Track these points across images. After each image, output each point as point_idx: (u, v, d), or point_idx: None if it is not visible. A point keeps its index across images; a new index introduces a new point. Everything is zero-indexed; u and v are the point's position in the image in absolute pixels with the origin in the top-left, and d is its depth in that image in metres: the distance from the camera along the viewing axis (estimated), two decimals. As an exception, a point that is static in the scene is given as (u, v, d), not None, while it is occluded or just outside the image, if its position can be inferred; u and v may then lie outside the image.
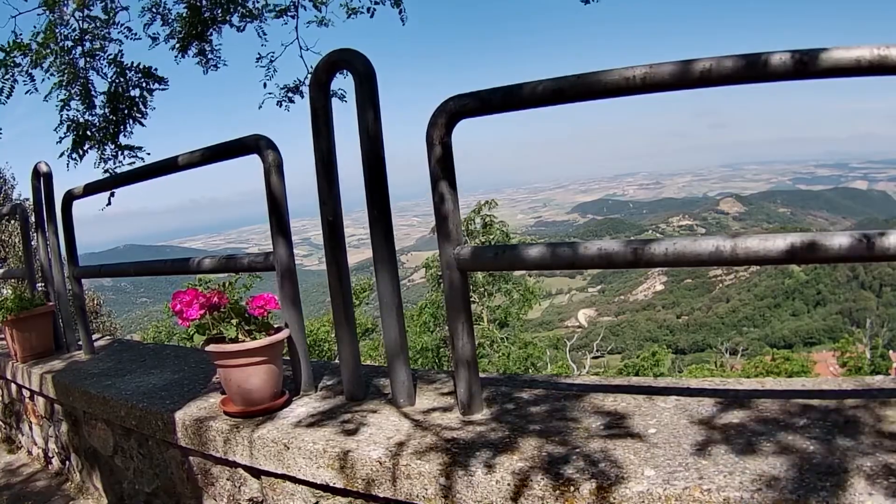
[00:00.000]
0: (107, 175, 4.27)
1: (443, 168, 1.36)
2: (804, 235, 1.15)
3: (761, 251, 1.15)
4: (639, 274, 79.74)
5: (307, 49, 4.74)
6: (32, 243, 3.35)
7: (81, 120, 4.20)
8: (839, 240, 1.13)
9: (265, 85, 4.83)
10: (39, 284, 3.25)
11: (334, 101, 1.85)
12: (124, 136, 4.34)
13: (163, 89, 4.32)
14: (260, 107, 4.92)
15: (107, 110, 4.25)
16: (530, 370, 15.31)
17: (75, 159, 4.22)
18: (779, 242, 1.15)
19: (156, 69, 4.24)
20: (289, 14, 4.53)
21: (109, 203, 4.37)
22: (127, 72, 4.17)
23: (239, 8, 4.50)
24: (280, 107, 4.92)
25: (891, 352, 29.38)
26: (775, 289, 63.63)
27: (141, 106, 4.28)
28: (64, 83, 3.99)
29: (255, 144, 1.74)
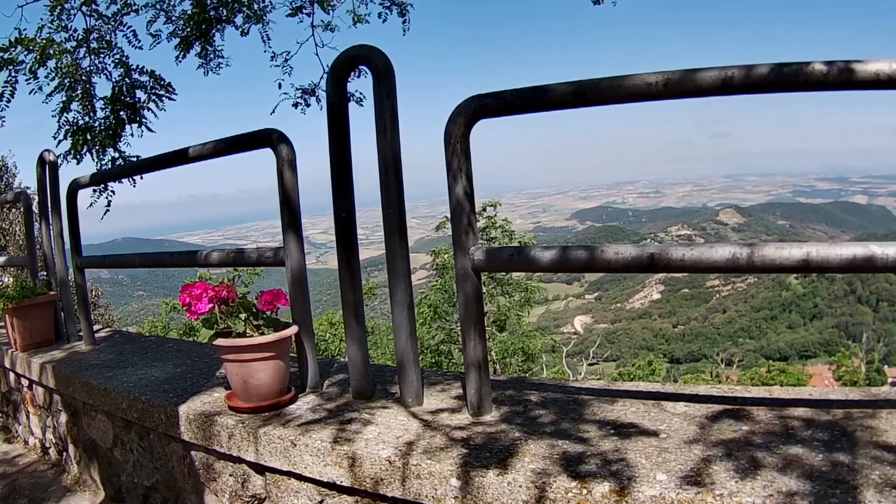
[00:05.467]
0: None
1: (460, 167, 1.36)
2: (819, 245, 1.16)
3: (777, 259, 1.15)
4: (636, 282, 79.94)
5: (323, 46, 4.72)
6: (35, 232, 3.34)
7: (81, 123, 4.18)
8: (853, 250, 1.13)
9: (280, 85, 4.81)
10: (41, 273, 3.24)
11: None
12: (122, 143, 4.32)
13: (171, 98, 4.30)
14: (272, 112, 4.90)
15: (108, 112, 4.23)
16: (527, 363, 15.32)
17: (76, 160, 4.22)
18: (794, 251, 1.16)
19: (163, 78, 4.23)
20: (304, 12, 4.53)
21: (108, 210, 4.36)
22: (132, 73, 4.16)
23: (244, 9, 4.48)
24: (296, 108, 4.91)
25: (886, 367, 29.46)
26: (772, 301, 63.78)
27: (145, 112, 4.27)
28: (66, 86, 3.97)
29: (268, 138, 1.74)
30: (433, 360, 14.75)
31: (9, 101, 3.79)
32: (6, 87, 3.75)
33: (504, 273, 14.09)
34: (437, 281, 15.76)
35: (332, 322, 15.82)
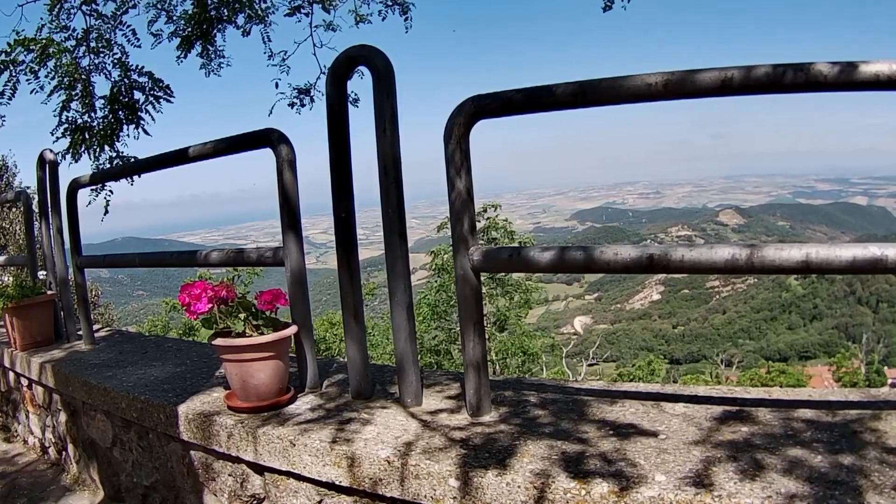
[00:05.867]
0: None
1: (460, 168, 1.35)
2: (819, 246, 1.16)
3: (777, 260, 1.15)
4: (636, 283, 79.93)
5: (321, 46, 4.74)
6: (35, 231, 3.34)
7: (80, 122, 4.19)
8: (853, 251, 1.13)
9: (277, 85, 4.82)
10: (41, 273, 3.24)
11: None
12: (119, 142, 4.33)
13: (168, 100, 4.31)
14: (270, 113, 4.90)
15: (107, 111, 4.24)
16: (526, 364, 15.33)
17: (74, 159, 4.23)
18: (794, 253, 1.16)
19: (161, 80, 4.24)
20: (302, 11, 4.53)
21: (106, 212, 4.38)
22: (131, 73, 4.17)
23: (245, 9, 4.49)
24: (292, 108, 4.92)
25: (886, 368, 29.47)
26: (772, 301, 63.78)
27: (142, 113, 4.28)
28: (65, 85, 3.97)
29: (268, 138, 1.74)
30: (433, 361, 14.76)
31: (10, 98, 3.79)
32: (7, 86, 3.77)
33: (504, 273, 14.09)
34: (436, 282, 15.76)
35: (333, 322, 15.81)
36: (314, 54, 4.78)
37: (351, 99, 4.61)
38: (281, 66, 4.84)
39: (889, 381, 25.99)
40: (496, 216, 15.52)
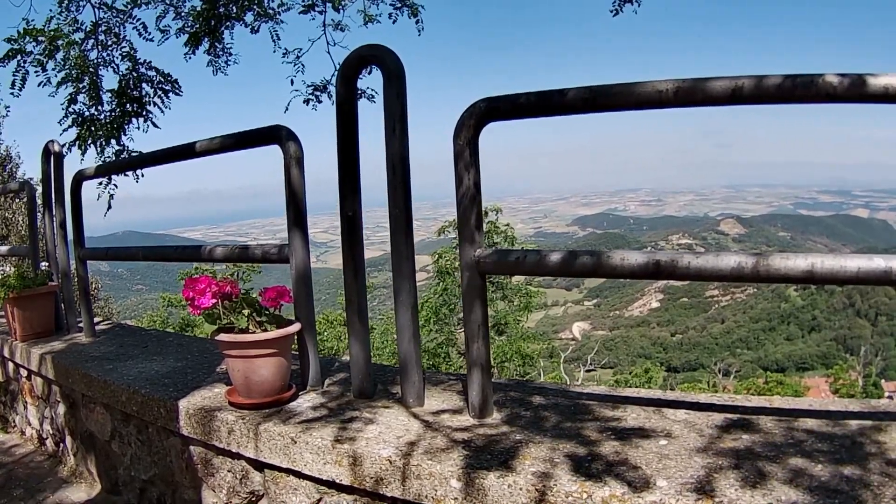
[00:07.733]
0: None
1: (468, 169, 1.36)
2: (824, 256, 1.16)
3: (782, 269, 1.16)
4: (635, 290, 79.86)
5: (334, 44, 4.76)
6: (38, 222, 3.34)
7: (87, 114, 4.20)
8: (858, 262, 1.14)
9: (292, 82, 4.84)
10: (43, 264, 3.24)
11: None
12: (125, 136, 4.34)
13: (177, 94, 4.32)
14: (286, 109, 4.90)
15: (114, 105, 4.25)
16: (524, 367, 15.32)
17: (81, 152, 4.24)
18: (799, 262, 1.16)
19: (170, 74, 4.25)
20: (316, 9, 4.54)
21: (110, 207, 4.40)
22: (139, 67, 4.17)
23: (255, 6, 4.50)
24: (307, 105, 4.94)
25: (883, 381, 29.46)
26: (771, 312, 63.73)
27: (150, 107, 4.29)
28: (73, 77, 3.98)
29: (276, 135, 1.74)
30: (430, 363, 14.74)
31: (20, 89, 3.80)
32: (16, 77, 3.78)
33: (504, 277, 14.10)
34: (438, 285, 15.73)
35: (330, 320, 15.78)
36: (328, 52, 4.81)
37: (367, 95, 4.61)
38: (296, 63, 4.86)
39: (886, 394, 25.94)
40: (496, 219, 15.52)
